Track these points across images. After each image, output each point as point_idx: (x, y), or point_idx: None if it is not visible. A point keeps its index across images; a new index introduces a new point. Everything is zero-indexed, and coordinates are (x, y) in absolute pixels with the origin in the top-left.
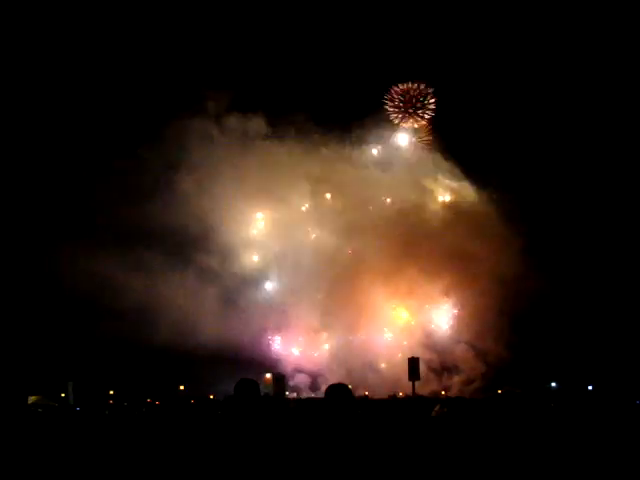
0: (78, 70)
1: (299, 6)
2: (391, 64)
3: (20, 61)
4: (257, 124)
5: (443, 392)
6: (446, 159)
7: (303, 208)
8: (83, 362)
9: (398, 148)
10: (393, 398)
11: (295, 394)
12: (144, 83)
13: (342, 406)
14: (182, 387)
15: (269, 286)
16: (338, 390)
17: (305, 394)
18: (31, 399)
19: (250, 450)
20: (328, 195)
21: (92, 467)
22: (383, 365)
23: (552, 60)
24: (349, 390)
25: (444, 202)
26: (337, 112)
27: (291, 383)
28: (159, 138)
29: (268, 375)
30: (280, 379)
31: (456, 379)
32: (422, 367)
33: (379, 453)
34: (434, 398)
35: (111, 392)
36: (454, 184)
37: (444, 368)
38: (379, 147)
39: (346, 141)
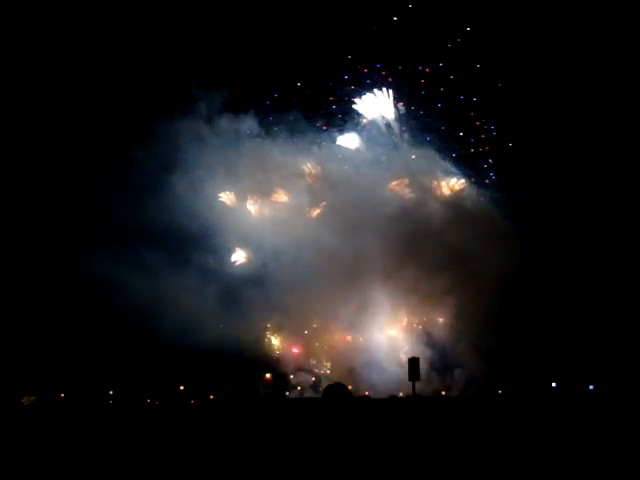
0: (74, 72)
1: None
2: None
3: (17, 62)
4: (249, 124)
5: (443, 392)
6: (444, 157)
7: (302, 206)
8: (83, 362)
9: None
10: (393, 398)
11: (299, 389)
12: (142, 84)
13: (340, 406)
14: (182, 387)
15: (269, 284)
16: (335, 390)
17: (307, 394)
18: (30, 399)
19: (248, 449)
20: (326, 193)
21: (92, 467)
22: (385, 364)
23: (551, 58)
24: (347, 390)
25: (445, 200)
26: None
27: (293, 382)
28: (154, 138)
29: (268, 375)
30: (280, 379)
31: (458, 379)
32: (424, 366)
33: (377, 453)
34: (434, 398)
35: (111, 392)
36: (453, 183)
37: (446, 367)
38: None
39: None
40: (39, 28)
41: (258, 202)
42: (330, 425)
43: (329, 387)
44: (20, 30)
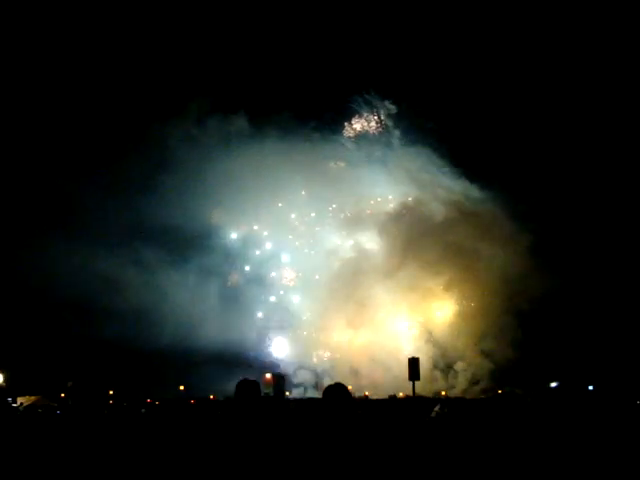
0: (79, 73)
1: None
2: (381, 55)
3: (14, 67)
4: (244, 125)
5: (443, 392)
6: (443, 157)
7: (303, 204)
8: (83, 362)
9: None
10: (393, 398)
11: (302, 389)
12: (143, 85)
13: (340, 406)
14: (182, 387)
15: (270, 284)
16: (335, 390)
17: (310, 393)
18: (30, 399)
19: (250, 450)
20: (327, 191)
21: (91, 467)
22: (386, 363)
23: (555, 57)
24: (347, 390)
25: (445, 198)
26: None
27: (295, 381)
28: (154, 139)
29: (268, 375)
30: (280, 379)
31: (461, 378)
32: (426, 365)
33: (377, 454)
34: (434, 398)
35: (111, 392)
36: (452, 181)
37: (449, 366)
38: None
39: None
40: (34, 34)
41: (262, 200)
42: (329, 426)
43: (329, 387)
44: (19, 31)
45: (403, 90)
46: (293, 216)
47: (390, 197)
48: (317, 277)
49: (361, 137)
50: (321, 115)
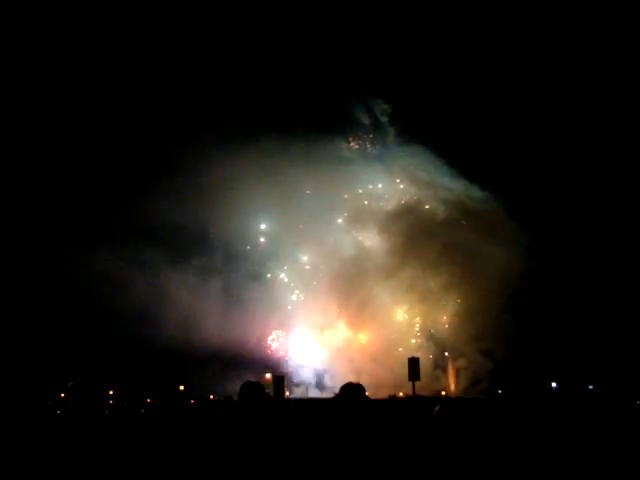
0: (77, 71)
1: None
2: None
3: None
4: (241, 126)
5: (443, 392)
6: (441, 156)
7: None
8: (83, 362)
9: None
10: (393, 398)
11: (304, 388)
12: (142, 85)
13: (356, 406)
14: (182, 387)
15: (270, 283)
16: (352, 390)
17: (311, 393)
18: None
19: (255, 451)
20: (326, 190)
21: (92, 467)
22: (387, 363)
23: (554, 53)
24: (364, 390)
25: (445, 198)
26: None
27: (295, 381)
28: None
29: (268, 375)
30: (280, 379)
31: (462, 377)
32: (427, 365)
33: (384, 453)
34: (434, 397)
35: (111, 392)
36: (451, 181)
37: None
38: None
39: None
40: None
41: (263, 199)
42: (345, 424)
43: (346, 386)
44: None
45: (397, 89)
46: (292, 215)
47: (389, 196)
48: (317, 276)
49: (358, 138)
50: (316, 115)
